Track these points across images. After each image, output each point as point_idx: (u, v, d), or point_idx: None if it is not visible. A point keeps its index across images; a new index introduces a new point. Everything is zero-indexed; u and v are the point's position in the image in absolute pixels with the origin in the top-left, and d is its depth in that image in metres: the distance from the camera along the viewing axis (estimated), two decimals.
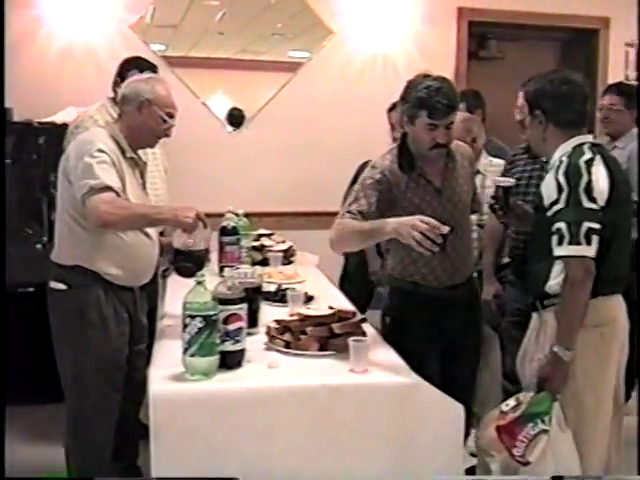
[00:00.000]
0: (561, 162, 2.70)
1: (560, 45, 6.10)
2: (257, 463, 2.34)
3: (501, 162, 3.93)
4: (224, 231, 3.73)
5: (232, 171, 5.23)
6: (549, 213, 2.69)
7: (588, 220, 2.60)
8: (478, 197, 3.37)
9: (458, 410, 2.49)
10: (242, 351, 2.52)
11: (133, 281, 3.12)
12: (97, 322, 2.99)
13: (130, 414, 3.27)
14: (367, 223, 2.83)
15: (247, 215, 4.04)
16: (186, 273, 2.87)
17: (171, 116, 3.10)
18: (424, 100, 2.87)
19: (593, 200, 2.62)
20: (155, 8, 5.13)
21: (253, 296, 2.82)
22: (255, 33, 5.38)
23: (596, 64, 5.84)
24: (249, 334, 2.63)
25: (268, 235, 4.42)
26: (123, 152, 3.03)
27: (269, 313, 3.03)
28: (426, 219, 2.60)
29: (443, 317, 3.03)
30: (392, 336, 2.94)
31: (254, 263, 3.90)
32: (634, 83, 4.76)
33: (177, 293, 2.73)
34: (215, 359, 2.43)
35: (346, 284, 4.63)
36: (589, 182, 2.62)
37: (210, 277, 2.62)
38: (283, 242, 4.36)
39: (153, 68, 3.94)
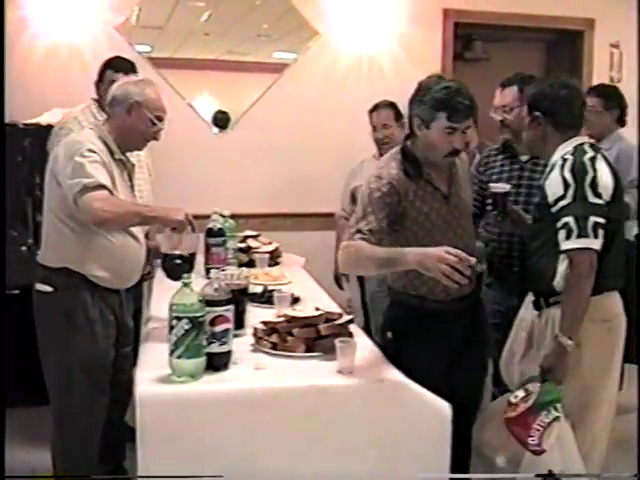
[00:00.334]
0: (565, 160, 2.79)
1: (545, 46, 6.12)
2: (244, 464, 2.34)
3: None
4: (210, 232, 3.72)
5: (218, 172, 5.22)
6: (554, 209, 2.77)
7: (594, 214, 2.70)
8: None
9: (444, 409, 2.49)
10: (229, 353, 2.52)
11: (120, 283, 3.11)
12: (83, 325, 2.99)
13: (116, 416, 3.27)
14: (383, 250, 2.66)
15: (233, 216, 4.03)
16: (175, 275, 2.86)
17: (160, 119, 3.10)
18: (443, 101, 2.71)
19: (598, 195, 2.73)
20: (140, 9, 5.11)
21: (240, 298, 2.83)
22: (241, 34, 5.37)
23: (581, 65, 5.87)
24: (236, 336, 2.63)
25: (254, 236, 4.41)
26: (112, 153, 3.03)
27: (256, 314, 3.03)
28: (453, 250, 2.46)
29: (448, 331, 2.87)
30: (396, 353, 2.78)
31: (240, 264, 3.90)
32: (615, 84, 4.78)
33: (163, 295, 2.73)
34: (202, 361, 2.42)
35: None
36: (594, 178, 2.73)
37: (196, 279, 2.62)
38: (269, 243, 4.35)
39: (131, 68, 3.94)
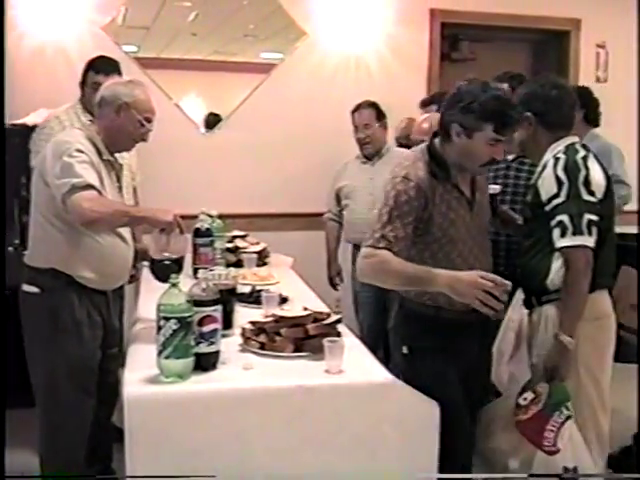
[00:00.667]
0: (557, 159, 2.81)
1: (531, 46, 6.14)
2: (233, 465, 2.33)
3: None
4: (198, 233, 3.72)
5: (205, 173, 5.21)
6: (547, 208, 2.79)
7: (588, 212, 2.73)
8: None
9: (433, 409, 2.50)
10: (217, 353, 2.51)
11: (107, 284, 3.10)
12: (70, 326, 2.98)
13: (103, 417, 3.26)
14: (411, 267, 2.53)
15: (221, 217, 4.03)
16: (163, 277, 2.84)
17: (149, 120, 3.10)
18: (493, 112, 2.54)
19: (592, 193, 2.76)
20: (127, 9, 5.10)
21: (227, 298, 2.82)
22: (228, 34, 5.36)
23: (567, 65, 5.89)
24: (224, 336, 2.62)
25: (242, 236, 4.41)
26: (100, 154, 3.02)
27: (244, 315, 3.03)
28: (488, 275, 2.39)
29: (466, 341, 2.72)
30: (414, 368, 2.68)
31: (228, 265, 3.89)
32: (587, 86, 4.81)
33: (150, 296, 2.72)
34: (190, 361, 2.42)
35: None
36: (587, 176, 2.76)
37: (184, 279, 2.61)
38: (257, 243, 4.35)
39: (114, 68, 3.93)
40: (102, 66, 3.95)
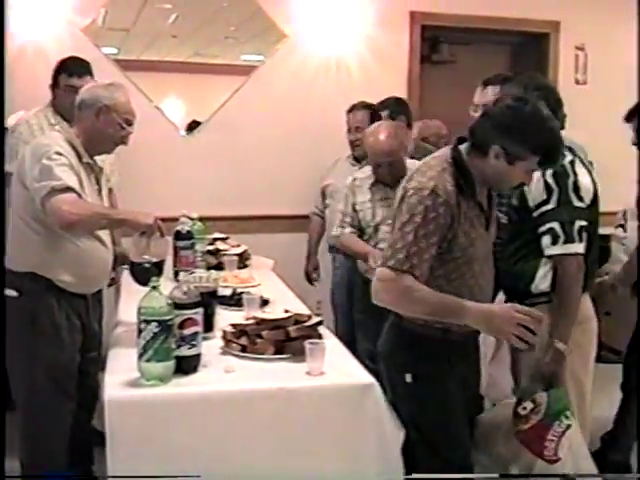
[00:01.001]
0: None
1: (511, 49, 6.17)
2: (214, 467, 2.33)
3: None
4: (179, 235, 3.71)
5: (186, 175, 5.19)
6: (536, 214, 2.77)
7: (579, 218, 2.73)
8: None
9: None
10: (198, 356, 2.51)
11: (86, 288, 3.09)
12: (49, 329, 2.97)
13: (83, 421, 3.24)
14: (440, 297, 2.33)
15: (201, 219, 4.02)
16: (143, 280, 2.82)
17: (129, 123, 3.09)
18: (546, 148, 2.37)
19: (581, 199, 2.75)
20: (107, 11, 5.07)
21: (208, 300, 2.82)
22: (208, 36, 5.35)
23: (546, 67, 5.91)
24: (205, 338, 2.62)
25: (223, 239, 4.41)
26: (79, 157, 3.00)
27: (225, 317, 3.02)
28: (523, 309, 2.26)
29: (467, 363, 2.59)
30: (419, 399, 2.48)
31: (209, 267, 3.89)
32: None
33: (131, 299, 2.71)
34: (171, 364, 2.41)
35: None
36: (576, 182, 2.75)
37: (165, 282, 2.61)
38: (238, 246, 4.35)
39: (86, 70, 3.91)
40: (75, 68, 3.93)
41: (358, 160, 4.53)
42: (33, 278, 2.95)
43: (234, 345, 2.72)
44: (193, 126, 5.34)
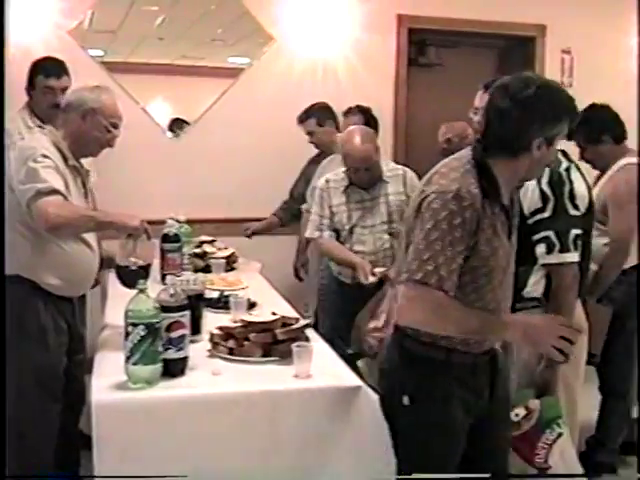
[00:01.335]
0: None
1: (497, 52, 6.19)
2: (201, 469, 2.32)
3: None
4: (166, 238, 3.70)
5: (173, 178, 5.19)
6: (530, 221, 2.74)
7: (574, 227, 2.72)
8: None
9: None
10: (185, 359, 2.51)
11: (73, 291, 3.08)
12: (35, 332, 2.96)
13: (70, 424, 3.23)
14: (475, 314, 2.18)
15: (189, 222, 4.02)
16: (130, 283, 2.82)
17: (115, 126, 3.08)
18: (572, 108, 2.23)
19: (576, 207, 2.74)
20: (94, 13, 5.06)
21: (196, 303, 2.81)
22: (195, 39, 5.36)
23: (533, 71, 5.90)
24: (192, 341, 2.62)
25: (210, 242, 4.40)
26: (65, 159, 3.00)
27: (212, 320, 3.01)
28: (561, 319, 2.20)
29: (474, 387, 2.33)
30: (416, 422, 2.30)
31: (196, 270, 3.89)
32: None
33: (117, 303, 2.70)
34: (158, 367, 2.41)
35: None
36: (571, 190, 2.74)
37: (152, 284, 2.60)
38: (225, 249, 4.35)
39: (62, 70, 3.91)
40: (52, 69, 3.92)
41: None
42: (19, 281, 2.94)
43: (221, 348, 2.71)
44: (176, 125, 5.32)
